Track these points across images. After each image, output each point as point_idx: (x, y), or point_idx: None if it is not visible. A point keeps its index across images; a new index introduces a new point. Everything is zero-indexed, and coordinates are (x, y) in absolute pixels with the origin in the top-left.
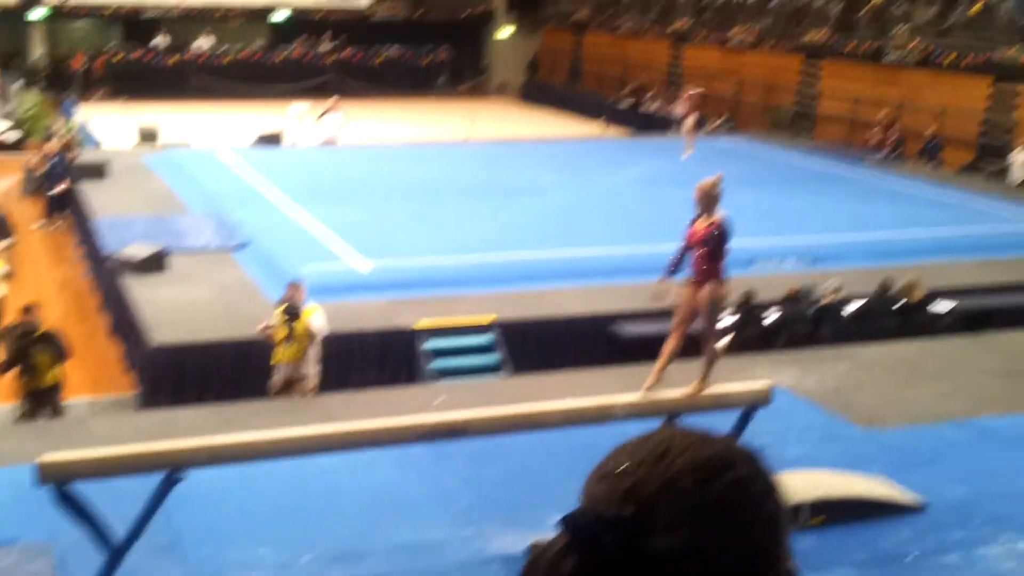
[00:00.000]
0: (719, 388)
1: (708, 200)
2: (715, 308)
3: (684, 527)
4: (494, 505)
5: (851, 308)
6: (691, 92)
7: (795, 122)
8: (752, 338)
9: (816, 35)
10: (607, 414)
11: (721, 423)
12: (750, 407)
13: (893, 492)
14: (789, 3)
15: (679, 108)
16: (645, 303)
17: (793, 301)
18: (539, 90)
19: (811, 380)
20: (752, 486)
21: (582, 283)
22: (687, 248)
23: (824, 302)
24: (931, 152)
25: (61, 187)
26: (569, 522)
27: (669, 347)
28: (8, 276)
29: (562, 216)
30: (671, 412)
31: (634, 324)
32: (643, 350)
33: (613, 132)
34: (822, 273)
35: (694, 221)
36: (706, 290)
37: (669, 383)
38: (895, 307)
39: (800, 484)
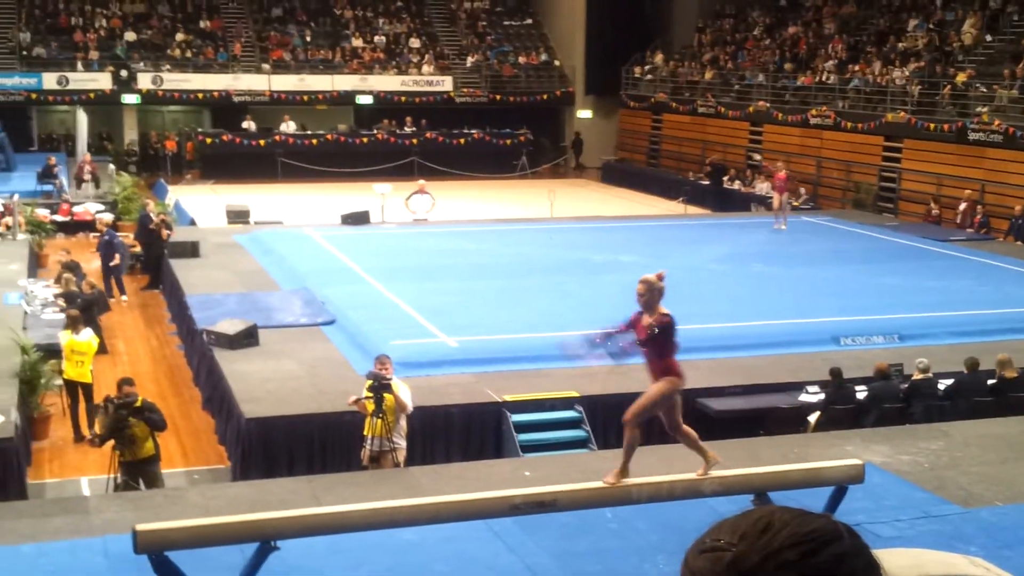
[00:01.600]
0: (811, 465)
1: (652, 295)
2: (656, 401)
3: None
4: None
5: (942, 385)
6: (780, 172)
7: (877, 200)
8: (842, 415)
9: (897, 115)
10: (695, 490)
11: (812, 501)
12: (843, 484)
13: (992, 572)
14: (868, 84)
15: (762, 186)
16: (731, 378)
17: (882, 378)
18: (619, 170)
19: (904, 458)
20: (854, 561)
21: None
22: (627, 330)
23: (914, 378)
24: (1019, 231)
25: (116, 259)
26: None
27: (627, 438)
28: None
29: None
30: (760, 489)
31: (721, 400)
32: (731, 425)
33: (693, 211)
34: (910, 349)
35: (639, 315)
36: (657, 386)
37: (756, 460)
38: (988, 385)
39: (899, 561)
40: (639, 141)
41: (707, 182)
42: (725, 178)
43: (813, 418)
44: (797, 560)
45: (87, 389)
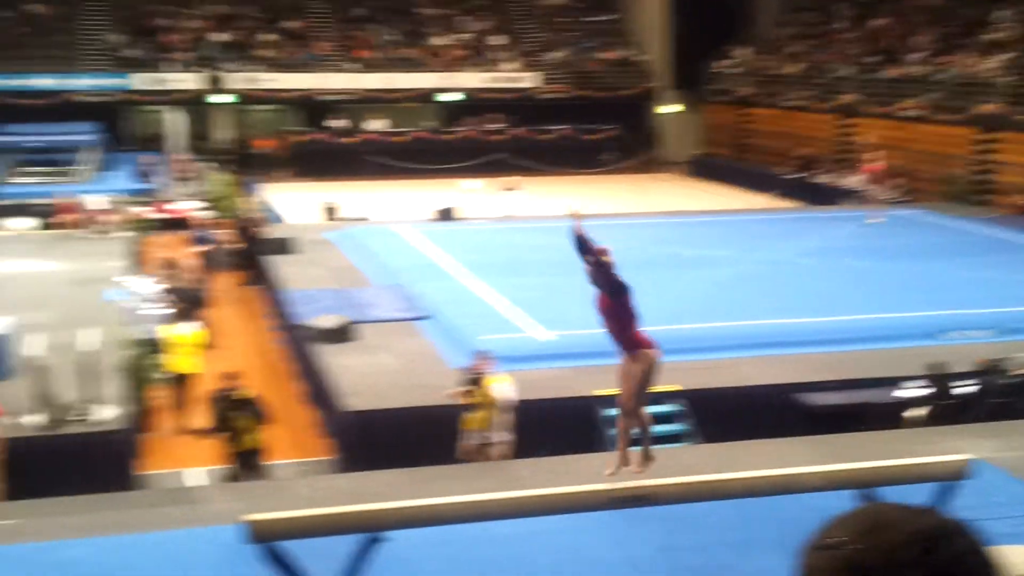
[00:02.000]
0: (915, 460)
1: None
2: (635, 381)
3: None
4: (683, 573)
5: None
6: (873, 165)
7: (971, 192)
8: (943, 410)
9: (990, 106)
10: (796, 484)
11: (917, 497)
12: (949, 480)
13: None
14: (958, 75)
15: (852, 180)
16: (828, 373)
17: (986, 372)
18: (706, 164)
19: (1010, 453)
20: (972, 558)
21: (760, 353)
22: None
23: (1018, 372)
24: None
25: (204, 248)
26: None
27: (621, 427)
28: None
29: (735, 287)
30: (864, 483)
31: (822, 394)
32: (832, 420)
33: (782, 204)
34: (1011, 344)
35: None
36: (634, 368)
37: (858, 455)
38: None
39: (1015, 558)
40: (725, 135)
41: (796, 175)
42: (815, 171)
43: (911, 413)
44: (916, 558)
45: (190, 381)
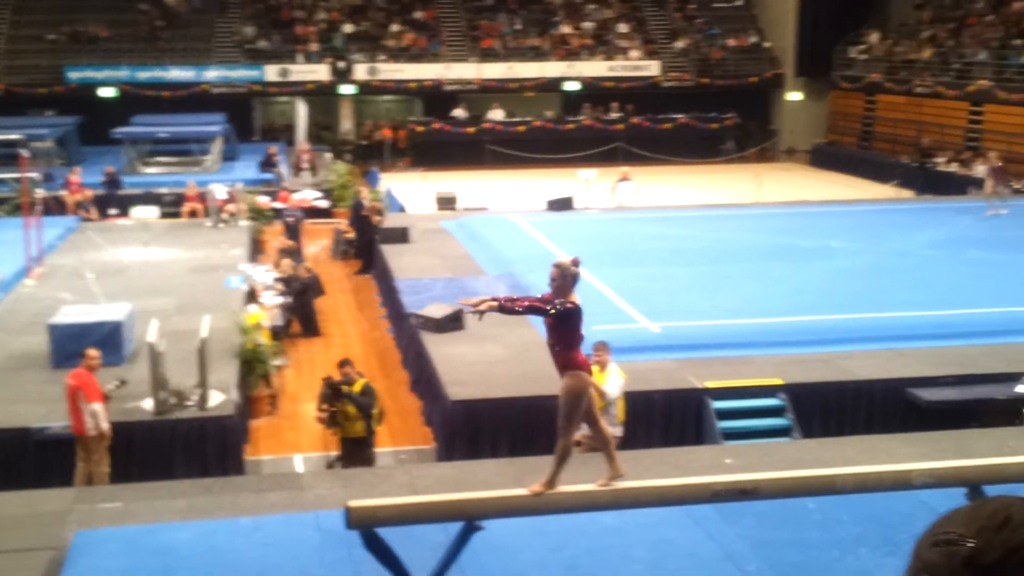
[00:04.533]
0: None
1: (564, 281)
2: (568, 401)
3: None
4: (783, 570)
5: None
6: (993, 164)
7: None
8: None
9: None
10: (904, 481)
11: None
12: None
13: None
14: None
15: (980, 168)
16: (943, 368)
17: None
18: (829, 153)
19: None
20: None
21: (875, 347)
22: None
23: None
24: None
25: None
26: None
27: (559, 447)
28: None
29: (853, 279)
30: (974, 482)
31: (932, 390)
32: (941, 416)
33: (906, 195)
34: None
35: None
36: (563, 384)
37: (969, 452)
38: None
39: None
40: (851, 123)
41: (922, 164)
42: (942, 160)
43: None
44: None
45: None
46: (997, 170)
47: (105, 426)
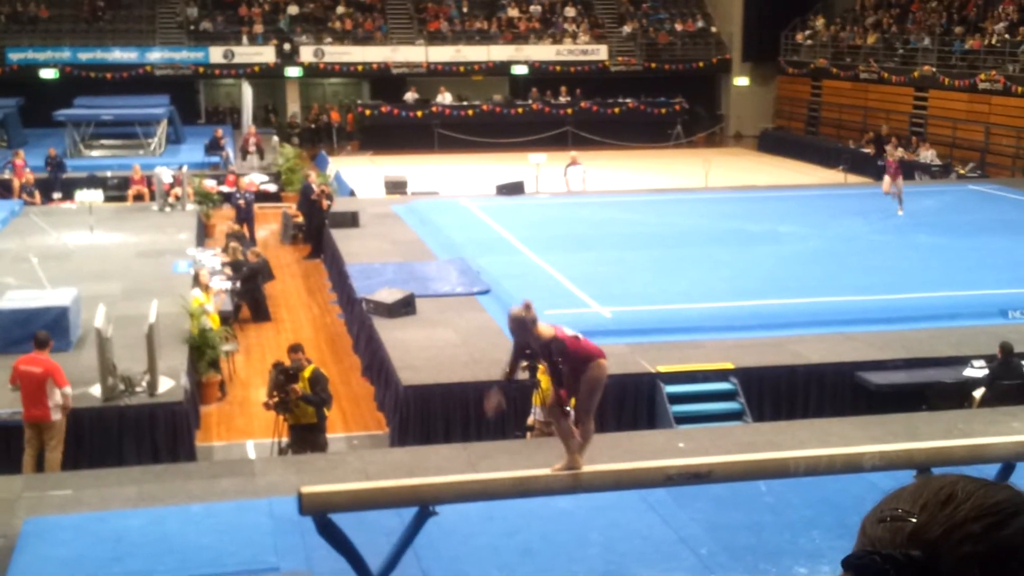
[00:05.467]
0: (976, 441)
1: (524, 328)
2: (593, 387)
3: (973, 572)
4: (736, 552)
5: None
6: (891, 159)
7: None
8: (1009, 390)
9: None
10: (855, 464)
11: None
12: (1010, 461)
13: None
14: None
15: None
16: (892, 352)
17: None
18: (776, 138)
19: None
20: None
21: (824, 331)
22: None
23: None
24: None
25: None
26: (855, 563)
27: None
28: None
29: (802, 264)
30: (922, 464)
31: (881, 373)
32: (890, 400)
33: (853, 179)
34: None
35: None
36: (589, 376)
37: (918, 435)
38: None
39: None
40: (797, 108)
41: (868, 150)
42: (887, 146)
43: (978, 393)
44: (982, 533)
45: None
46: (895, 165)
47: (70, 405)
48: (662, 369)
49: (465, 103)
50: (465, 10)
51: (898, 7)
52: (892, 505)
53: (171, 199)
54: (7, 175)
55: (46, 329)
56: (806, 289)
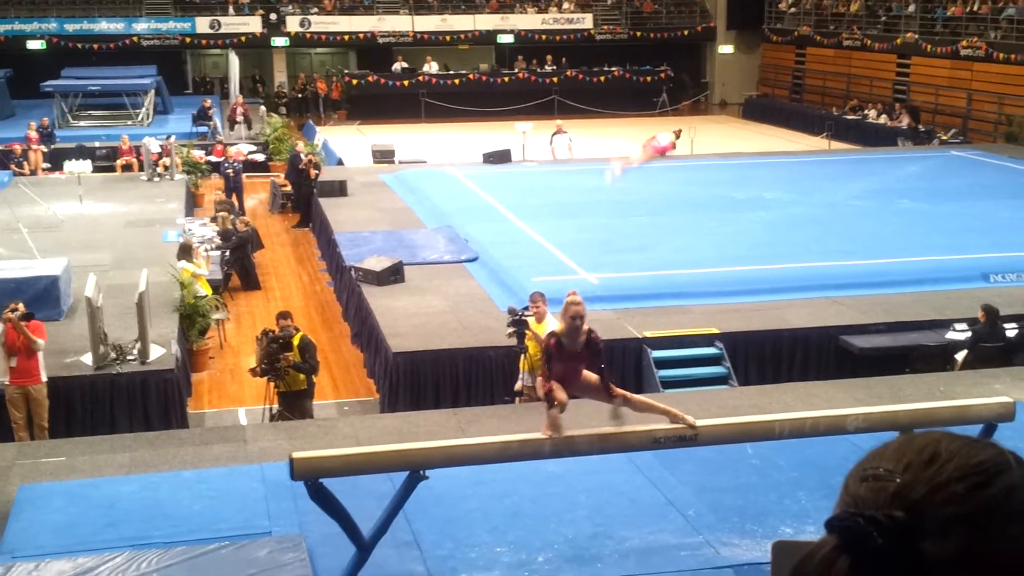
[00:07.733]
0: (958, 402)
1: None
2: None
3: (958, 532)
4: (723, 513)
5: None
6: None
7: None
8: (991, 353)
9: None
10: (839, 427)
11: None
12: (992, 422)
13: None
14: (1022, 13)
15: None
16: (875, 316)
17: None
18: (760, 106)
19: None
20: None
21: (808, 296)
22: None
23: None
24: None
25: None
26: (838, 524)
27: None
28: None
29: (787, 230)
30: (905, 426)
31: (864, 337)
32: (874, 363)
33: (836, 146)
34: None
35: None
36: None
37: (901, 397)
38: None
39: None
40: (782, 76)
41: (852, 116)
42: (871, 112)
43: (961, 356)
44: (966, 493)
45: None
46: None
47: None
48: (649, 334)
49: (451, 72)
50: None
51: None
52: (875, 463)
53: (159, 169)
54: (18, 145)
55: (36, 299)
56: (791, 255)
